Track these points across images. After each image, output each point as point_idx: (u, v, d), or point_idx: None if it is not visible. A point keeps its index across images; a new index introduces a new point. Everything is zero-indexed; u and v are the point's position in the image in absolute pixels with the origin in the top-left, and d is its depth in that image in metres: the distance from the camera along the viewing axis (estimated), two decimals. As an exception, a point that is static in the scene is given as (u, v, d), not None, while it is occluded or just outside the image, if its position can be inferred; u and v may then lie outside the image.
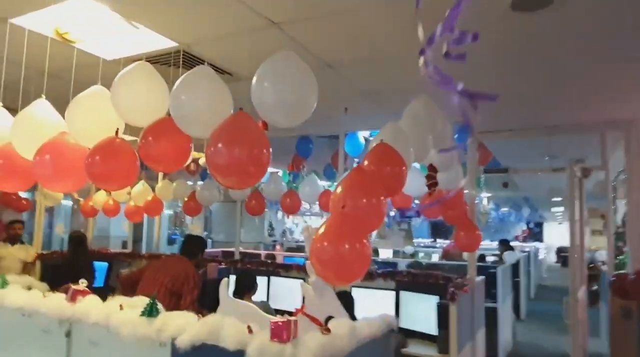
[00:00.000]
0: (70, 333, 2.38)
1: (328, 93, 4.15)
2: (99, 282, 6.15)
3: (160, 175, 6.59)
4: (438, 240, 18.11)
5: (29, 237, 6.59)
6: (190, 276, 3.75)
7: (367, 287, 4.55)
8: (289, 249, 11.50)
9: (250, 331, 1.84)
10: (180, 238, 15.56)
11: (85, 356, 2.32)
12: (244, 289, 4.25)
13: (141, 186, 5.89)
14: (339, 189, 2.11)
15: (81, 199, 6.81)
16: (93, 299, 2.38)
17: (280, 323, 1.75)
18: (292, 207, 5.31)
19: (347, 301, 3.67)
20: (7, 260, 5.85)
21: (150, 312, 2.13)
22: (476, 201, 4.67)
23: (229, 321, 1.92)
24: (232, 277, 4.45)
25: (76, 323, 2.35)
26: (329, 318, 2.29)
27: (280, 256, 8.66)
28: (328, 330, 1.78)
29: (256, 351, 1.73)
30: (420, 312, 4.17)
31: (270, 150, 1.89)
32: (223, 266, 5.47)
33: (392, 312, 4.29)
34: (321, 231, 1.88)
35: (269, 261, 5.80)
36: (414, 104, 2.79)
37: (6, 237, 6.01)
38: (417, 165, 4.38)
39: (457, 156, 3.35)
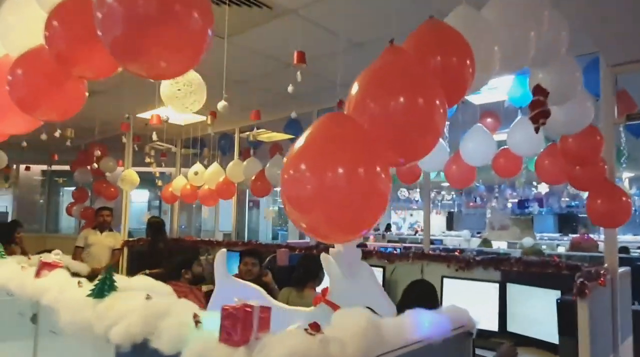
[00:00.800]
0: (37, 318, 1.86)
1: (391, 18, 3.26)
2: (179, 269, 5.94)
3: (236, 155, 6.20)
4: (565, 235, 15.70)
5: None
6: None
7: (462, 279, 3.58)
8: (389, 241, 10.61)
9: (197, 322, 1.10)
10: (285, 232, 15.43)
11: (50, 350, 1.79)
12: (307, 277, 3.55)
13: (214, 168, 5.52)
14: (355, 84, 1.26)
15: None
16: (60, 273, 1.84)
17: (230, 312, 0.99)
18: (409, 174, 4.21)
19: (424, 292, 2.78)
20: (96, 247, 5.89)
21: (99, 291, 1.50)
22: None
23: (178, 307, 1.21)
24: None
25: (42, 306, 1.82)
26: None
27: (375, 246, 7.84)
28: (316, 328, 0.97)
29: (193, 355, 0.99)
30: (535, 311, 3.09)
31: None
32: (296, 253, 4.83)
33: (496, 311, 3.27)
34: (297, 146, 1.08)
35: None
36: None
37: (96, 225, 6.05)
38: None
39: (579, 78, 2.26)
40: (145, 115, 5.36)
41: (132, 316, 1.24)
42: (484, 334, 3.08)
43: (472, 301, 3.40)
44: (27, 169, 8.90)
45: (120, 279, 1.87)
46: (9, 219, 8.94)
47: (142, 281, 1.95)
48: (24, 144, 5.45)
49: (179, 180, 6.07)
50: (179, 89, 2.14)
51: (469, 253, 4.22)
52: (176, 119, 5.87)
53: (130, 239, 6.41)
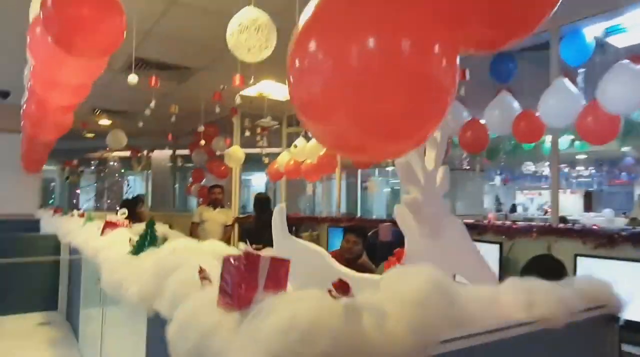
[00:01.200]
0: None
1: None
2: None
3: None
4: None
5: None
6: None
7: (603, 257, 2.89)
8: (513, 221, 9.62)
9: (203, 277, 0.83)
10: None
11: (114, 313, 1.68)
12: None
13: (315, 141, 5.33)
14: None
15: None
16: (120, 232, 1.72)
17: (229, 264, 0.69)
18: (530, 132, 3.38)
19: (550, 269, 2.24)
20: (210, 223, 6.12)
21: (139, 247, 1.31)
22: None
23: (191, 262, 0.95)
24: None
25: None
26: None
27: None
28: (344, 289, 0.62)
29: (180, 321, 0.72)
30: None
31: None
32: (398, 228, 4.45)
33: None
34: (303, 21, 0.71)
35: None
36: None
37: (209, 202, 6.28)
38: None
39: None
40: (248, 92, 5.33)
41: (145, 275, 1.01)
42: (633, 326, 2.44)
43: (616, 285, 2.73)
44: (151, 151, 9.68)
45: (190, 242, 1.71)
46: (149, 200, 9.95)
47: (212, 245, 1.76)
48: (140, 124, 5.79)
49: (283, 156, 6.01)
50: (245, 36, 1.90)
51: (611, 229, 3.44)
52: (277, 95, 5.78)
53: (240, 215, 6.56)
